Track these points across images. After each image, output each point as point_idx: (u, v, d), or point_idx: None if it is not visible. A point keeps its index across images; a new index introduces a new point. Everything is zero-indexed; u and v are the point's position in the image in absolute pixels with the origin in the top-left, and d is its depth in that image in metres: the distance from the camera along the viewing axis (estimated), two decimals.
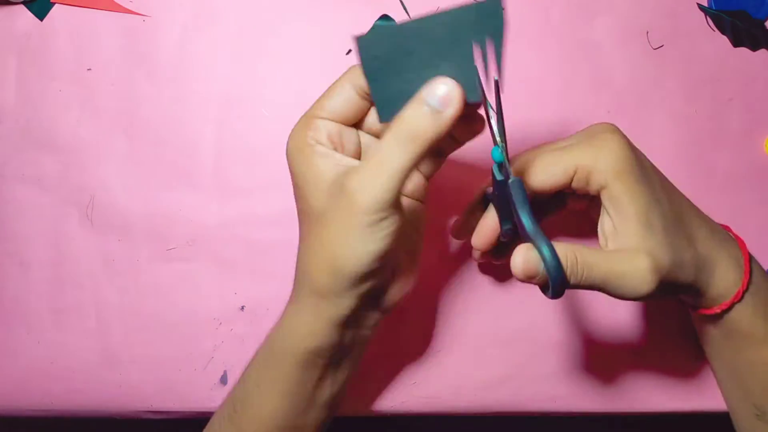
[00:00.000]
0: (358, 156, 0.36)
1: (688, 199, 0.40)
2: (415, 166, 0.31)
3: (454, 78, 0.31)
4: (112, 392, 0.47)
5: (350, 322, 0.35)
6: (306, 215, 0.35)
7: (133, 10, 0.48)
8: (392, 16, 0.48)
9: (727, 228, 0.41)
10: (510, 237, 0.38)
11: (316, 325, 0.35)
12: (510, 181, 0.33)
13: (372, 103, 0.34)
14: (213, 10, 0.48)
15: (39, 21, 0.48)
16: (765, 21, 0.49)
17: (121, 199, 0.47)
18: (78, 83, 0.48)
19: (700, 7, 0.49)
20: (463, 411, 0.47)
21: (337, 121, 0.34)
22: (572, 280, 0.33)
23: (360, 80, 0.33)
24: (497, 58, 0.31)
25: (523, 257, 0.32)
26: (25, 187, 0.48)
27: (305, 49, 0.48)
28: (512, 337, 0.47)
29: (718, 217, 0.48)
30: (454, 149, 0.37)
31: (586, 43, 0.48)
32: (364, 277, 0.33)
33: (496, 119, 0.32)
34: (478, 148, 0.37)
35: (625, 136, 0.37)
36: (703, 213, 0.40)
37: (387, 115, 0.33)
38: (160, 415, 0.47)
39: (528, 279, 0.32)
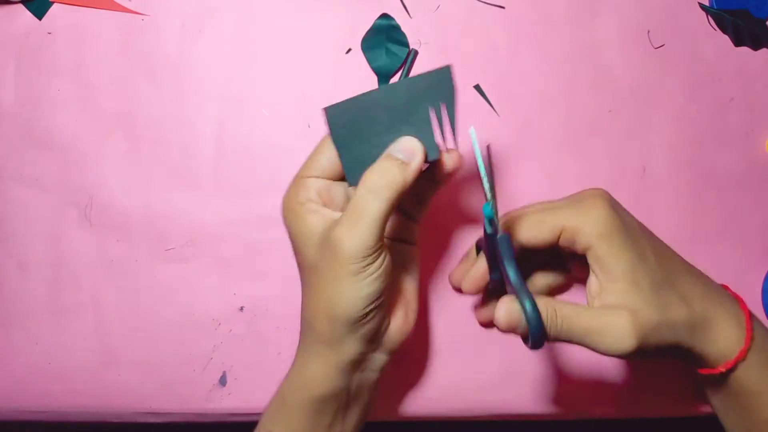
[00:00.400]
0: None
1: (682, 260, 0.40)
2: (390, 212, 0.35)
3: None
4: (110, 393, 0.47)
5: (355, 365, 0.37)
6: (303, 268, 0.38)
7: (132, 9, 0.48)
8: (392, 15, 0.48)
9: (725, 287, 0.41)
10: (496, 286, 0.39)
11: (323, 372, 0.37)
12: (498, 236, 0.36)
13: None
14: (212, 9, 0.48)
15: (38, 20, 0.48)
16: (766, 20, 0.49)
17: (120, 199, 0.47)
18: (77, 83, 0.48)
19: (702, 6, 0.48)
20: (464, 413, 0.47)
21: (325, 178, 0.37)
22: (551, 333, 0.35)
23: None
24: (451, 120, 0.35)
25: (507, 309, 0.35)
26: (24, 186, 0.48)
27: (305, 48, 0.48)
28: (513, 339, 0.46)
29: (719, 217, 0.48)
30: (432, 195, 0.40)
31: (587, 42, 0.48)
32: (360, 320, 0.35)
33: (488, 179, 0.35)
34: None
35: (611, 201, 0.39)
36: (699, 272, 0.40)
37: (355, 178, 0.36)
38: (158, 417, 0.47)
39: (510, 330, 0.35)
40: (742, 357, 0.38)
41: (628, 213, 0.39)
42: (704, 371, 0.39)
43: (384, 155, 0.35)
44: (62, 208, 0.47)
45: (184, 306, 0.47)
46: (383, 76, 0.47)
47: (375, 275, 0.35)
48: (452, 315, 0.47)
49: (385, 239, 0.36)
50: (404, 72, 0.47)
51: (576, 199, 0.39)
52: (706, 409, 0.46)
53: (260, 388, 0.46)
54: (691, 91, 0.48)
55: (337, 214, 0.37)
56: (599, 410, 0.47)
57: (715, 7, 0.48)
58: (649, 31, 0.48)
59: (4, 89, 0.48)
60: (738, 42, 0.48)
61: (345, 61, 0.48)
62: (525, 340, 0.36)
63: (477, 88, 0.48)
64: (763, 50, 0.49)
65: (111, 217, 0.47)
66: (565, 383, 0.47)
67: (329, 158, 0.37)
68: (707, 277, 0.41)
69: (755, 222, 0.48)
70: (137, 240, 0.47)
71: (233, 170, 0.47)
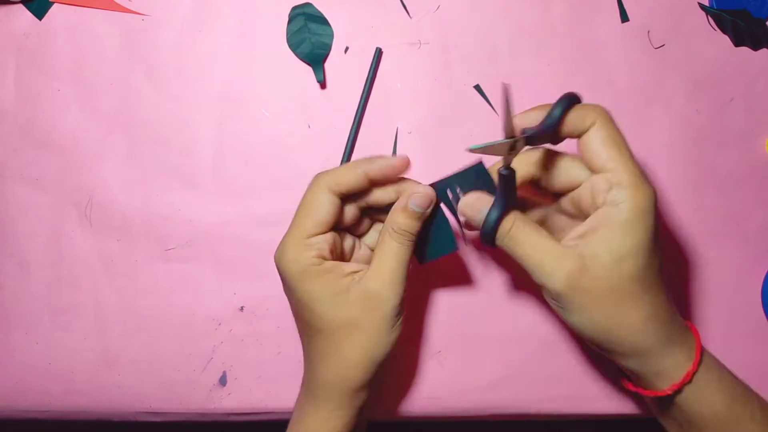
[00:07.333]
0: (349, 250, 0.41)
1: (663, 286, 0.37)
2: (411, 255, 0.39)
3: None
4: (110, 393, 0.47)
5: (372, 398, 0.41)
6: (319, 329, 0.38)
7: (132, 9, 0.48)
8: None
9: (689, 324, 0.39)
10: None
11: (348, 417, 0.39)
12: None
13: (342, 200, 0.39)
14: (213, 9, 0.48)
15: (38, 20, 0.48)
16: (766, 20, 0.49)
17: (120, 199, 0.47)
18: (77, 83, 0.48)
19: (702, 6, 0.48)
20: (464, 412, 0.47)
21: (329, 231, 0.38)
22: (497, 242, 0.37)
23: (332, 185, 0.38)
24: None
25: (466, 201, 0.38)
26: (24, 186, 0.48)
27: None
28: (513, 338, 0.47)
29: (718, 217, 0.48)
30: None
31: (588, 42, 0.48)
32: (389, 357, 0.39)
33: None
34: None
35: (656, 204, 0.36)
36: (669, 303, 0.38)
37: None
38: (158, 417, 0.47)
39: (465, 217, 0.38)
40: (689, 379, 0.37)
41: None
42: (650, 393, 0.38)
43: (401, 207, 0.38)
44: (62, 208, 0.47)
45: (184, 306, 0.47)
46: (316, 62, 0.47)
47: (402, 315, 0.39)
48: (452, 315, 0.47)
49: None
50: (370, 72, 0.47)
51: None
52: None
53: (260, 388, 0.46)
54: (691, 91, 0.48)
55: (354, 266, 0.39)
56: (599, 408, 0.47)
57: (715, 7, 0.48)
58: (649, 31, 0.48)
59: (4, 89, 0.48)
60: (738, 42, 0.48)
61: (344, 60, 0.48)
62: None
63: (477, 88, 0.48)
64: (763, 50, 0.49)
65: (111, 217, 0.47)
66: (565, 383, 0.47)
67: (330, 207, 0.38)
68: (672, 308, 0.38)
69: (755, 222, 0.48)
70: (137, 240, 0.47)
71: (233, 170, 0.47)
